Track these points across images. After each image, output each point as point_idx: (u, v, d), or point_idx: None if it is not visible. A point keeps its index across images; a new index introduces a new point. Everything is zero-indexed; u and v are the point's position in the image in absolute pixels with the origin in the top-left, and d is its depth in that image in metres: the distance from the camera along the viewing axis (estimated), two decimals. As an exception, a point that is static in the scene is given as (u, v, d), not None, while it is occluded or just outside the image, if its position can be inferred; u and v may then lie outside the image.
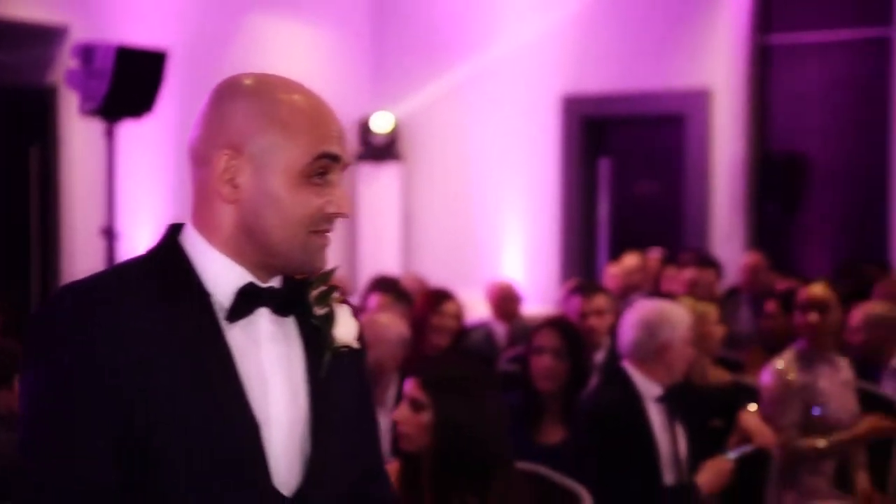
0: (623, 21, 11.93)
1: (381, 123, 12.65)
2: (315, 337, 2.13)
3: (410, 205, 12.91)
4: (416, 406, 3.35)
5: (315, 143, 2.06)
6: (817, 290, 5.91)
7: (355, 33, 12.89)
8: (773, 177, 11.69)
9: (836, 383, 5.40)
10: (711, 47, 11.69)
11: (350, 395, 2.21)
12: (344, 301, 2.20)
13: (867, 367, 6.14)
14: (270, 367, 2.07)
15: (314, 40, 12.45)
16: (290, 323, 2.12)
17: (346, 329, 2.15)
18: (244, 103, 2.07)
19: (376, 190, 12.73)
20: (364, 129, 12.64)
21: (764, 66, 11.88)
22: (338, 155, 2.10)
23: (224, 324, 2.03)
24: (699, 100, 11.75)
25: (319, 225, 2.08)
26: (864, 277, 8.23)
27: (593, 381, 4.93)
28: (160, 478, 1.97)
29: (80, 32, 9.21)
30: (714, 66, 11.69)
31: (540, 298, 10.82)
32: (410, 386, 3.40)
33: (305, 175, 2.05)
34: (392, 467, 3.50)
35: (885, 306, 6.30)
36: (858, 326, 6.09)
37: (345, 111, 12.55)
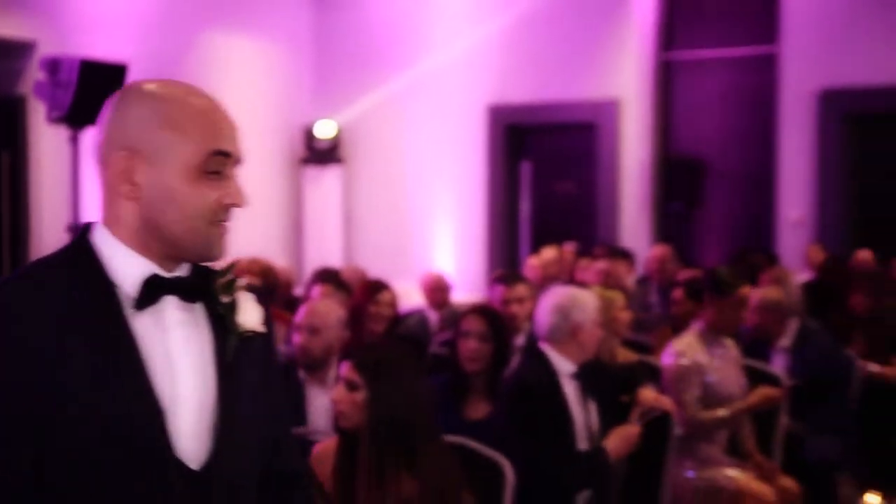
0: (542, 39, 11.99)
1: (325, 130, 12.63)
2: (222, 322, 2.11)
3: (351, 204, 12.90)
4: (351, 386, 3.35)
5: (207, 142, 2.03)
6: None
7: (300, 48, 12.85)
8: (676, 178, 11.81)
9: (728, 361, 5.48)
10: (621, 62, 11.78)
11: (257, 376, 2.18)
12: (249, 289, 2.18)
13: (758, 346, 6.22)
14: (178, 351, 2.04)
15: (262, 55, 12.41)
16: (198, 309, 2.10)
17: (249, 315, 2.13)
18: (139, 107, 2.04)
19: (320, 190, 12.72)
20: (308, 136, 12.62)
21: (667, 79, 12.00)
22: (229, 152, 2.07)
23: (131, 312, 2.01)
24: (610, 109, 11.82)
25: (217, 216, 2.05)
26: (753, 265, 8.34)
27: (515, 360, 4.95)
28: (68, 461, 1.95)
29: (47, 47, 9.13)
30: (623, 79, 11.77)
31: (468, 288, 10.86)
32: (345, 368, 3.40)
33: (199, 171, 2.02)
34: (327, 448, 3.52)
35: (777, 293, 6.36)
36: (753, 309, 6.15)
37: (291, 119, 12.68)
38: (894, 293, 7.77)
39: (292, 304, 6.98)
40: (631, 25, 11.73)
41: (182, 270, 2.09)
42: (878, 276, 8.08)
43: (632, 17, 11.74)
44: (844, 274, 8.09)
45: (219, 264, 2.15)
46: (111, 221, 2.05)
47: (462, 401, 4.72)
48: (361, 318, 5.97)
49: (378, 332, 5.93)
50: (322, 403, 4.69)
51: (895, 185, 11.15)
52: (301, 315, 4.83)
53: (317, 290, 6.40)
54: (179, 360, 2.04)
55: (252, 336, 2.15)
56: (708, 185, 11.76)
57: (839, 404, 6.10)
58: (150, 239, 2.03)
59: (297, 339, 4.77)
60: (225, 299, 2.12)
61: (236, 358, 2.11)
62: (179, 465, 2.01)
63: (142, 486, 1.98)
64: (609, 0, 11.79)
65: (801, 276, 8.56)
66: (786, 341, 6.21)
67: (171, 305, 2.05)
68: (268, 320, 2.23)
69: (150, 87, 2.08)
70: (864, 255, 9.08)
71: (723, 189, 11.76)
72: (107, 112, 2.07)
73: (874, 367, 6.75)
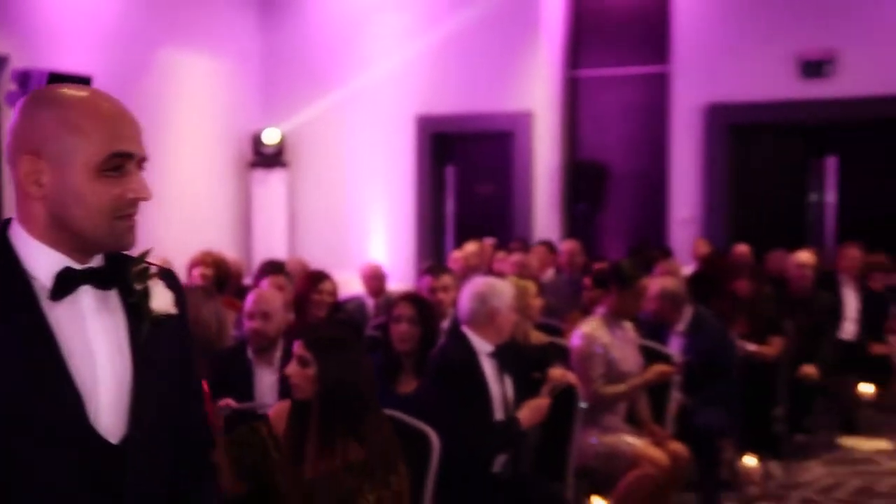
0: (465, 57, 12.02)
1: (271, 137, 12.58)
2: (136, 307, 2.07)
3: (294, 203, 12.86)
4: (303, 362, 3.37)
5: (108, 143, 1.96)
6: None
7: (248, 64, 12.78)
8: (582, 181, 11.90)
9: (627, 342, 5.55)
10: (534, 79, 11.84)
11: (170, 355, 2.15)
12: (160, 276, 2.14)
13: (658, 330, 6.28)
14: (95, 337, 2.00)
15: (215, 69, 12.32)
16: (113, 296, 2.05)
17: (161, 300, 2.09)
18: (43, 111, 1.98)
19: (267, 191, 12.66)
20: (257, 142, 12.56)
21: (573, 94, 12.09)
22: (131, 152, 2.01)
23: (47, 303, 1.96)
24: (524, 120, 11.88)
25: (122, 210, 1.99)
26: (648, 258, 8.44)
27: (441, 342, 4.98)
28: None
29: (19, 61, 9.01)
30: (536, 94, 11.84)
31: (400, 277, 10.87)
32: (298, 346, 3.42)
33: (101, 170, 1.95)
34: (282, 408, 3.53)
35: (673, 283, 6.42)
36: (652, 297, 6.22)
37: (240, 127, 12.55)
38: (769, 282, 7.94)
39: (242, 292, 6.96)
40: (542, 47, 11.82)
41: (96, 261, 2.04)
42: (755, 266, 8.22)
43: (543, 40, 11.83)
44: (725, 265, 8.21)
45: (133, 252, 2.10)
46: (24, 219, 2.00)
47: (394, 378, 4.74)
48: (305, 305, 5.97)
49: (320, 317, 5.93)
50: (269, 381, 4.67)
51: (770, 188, 11.36)
52: (251, 303, 4.80)
53: (266, 282, 6.38)
54: (97, 345, 2.00)
55: (165, 319, 2.10)
56: (610, 187, 11.87)
57: (725, 380, 6.17)
58: (60, 234, 1.98)
59: (250, 324, 4.75)
60: (138, 286, 2.07)
61: (150, 340, 2.07)
62: (100, 441, 1.98)
63: (65, 462, 1.95)
64: (523, 24, 11.86)
65: (689, 268, 8.68)
66: (681, 326, 6.27)
67: (86, 295, 2.00)
68: (180, 303, 2.18)
69: (56, 92, 2.01)
70: (742, 248, 9.22)
71: (622, 191, 11.88)
72: (15, 117, 2.01)
73: (752, 347, 6.88)
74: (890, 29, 10.62)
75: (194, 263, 7.09)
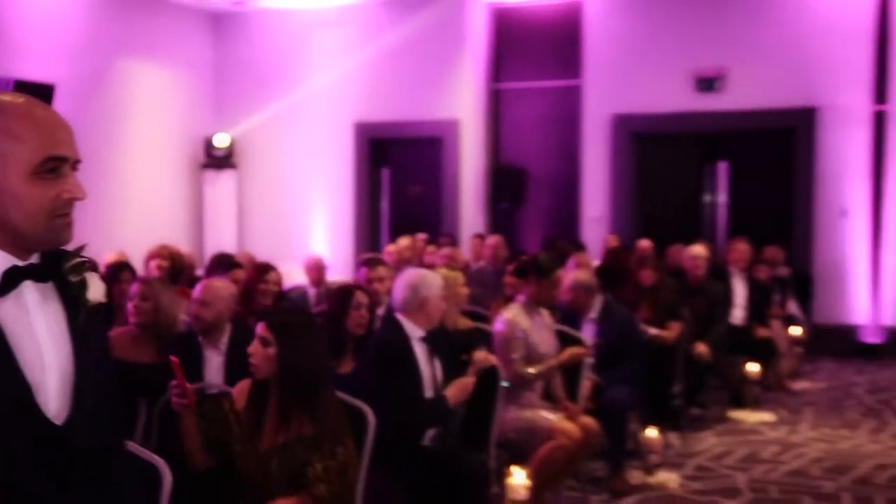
0: (399, 70, 12.01)
1: (221, 141, 12.47)
2: (72, 298, 2.03)
3: (243, 201, 12.75)
4: (264, 343, 3.33)
5: (43, 148, 1.90)
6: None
7: (201, 74, 12.65)
8: (504, 183, 11.94)
9: (544, 327, 5.56)
10: (461, 90, 11.86)
11: (101, 342, 2.13)
12: (92, 268, 2.10)
13: (572, 317, 6.29)
14: (39, 328, 1.95)
15: (170, 79, 12.17)
16: (50, 289, 2.00)
17: (95, 291, 2.05)
18: None
19: (217, 190, 12.54)
20: (208, 145, 12.44)
21: (496, 104, 12.12)
22: (65, 156, 1.94)
23: None
24: (452, 127, 11.90)
25: (59, 210, 1.93)
26: (562, 251, 8.46)
27: (377, 327, 4.95)
28: None
29: (-15, 70, 8.85)
30: (462, 104, 11.87)
31: (339, 269, 10.83)
32: (261, 328, 3.38)
33: (36, 173, 1.89)
34: (244, 386, 3.49)
35: (585, 274, 6.42)
36: (567, 288, 6.22)
37: (193, 131, 12.43)
38: (669, 273, 8.01)
39: (194, 283, 6.87)
40: (468, 62, 11.84)
41: (35, 257, 1.99)
42: (656, 259, 8.29)
43: (469, 56, 11.84)
44: (629, 257, 8.27)
45: (69, 247, 2.04)
46: None
47: (335, 359, 4.70)
48: (252, 294, 5.91)
49: (266, 305, 5.86)
50: (216, 363, 4.61)
51: (669, 189, 11.49)
52: (198, 291, 4.74)
53: (216, 272, 6.30)
54: (42, 336, 1.96)
55: (97, 308, 2.07)
56: (528, 188, 11.92)
57: (631, 361, 6.21)
58: (3, 234, 1.92)
59: (195, 310, 4.68)
60: (74, 279, 2.03)
61: (85, 328, 2.04)
62: (48, 424, 1.94)
63: (17, 446, 1.90)
64: (451, 41, 11.87)
65: (599, 261, 8.73)
66: (593, 313, 6.30)
67: (28, 289, 1.96)
68: (109, 293, 2.14)
69: None
70: (645, 243, 9.29)
71: (540, 192, 11.93)
72: None
73: (654, 331, 6.93)
74: (770, 51, 10.79)
75: (151, 256, 6.99)
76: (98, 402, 2.07)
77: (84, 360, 2.03)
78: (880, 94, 10.57)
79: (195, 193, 12.52)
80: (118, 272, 6.11)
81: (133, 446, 2.85)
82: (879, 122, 10.59)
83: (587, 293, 6.28)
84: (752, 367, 8.04)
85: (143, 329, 4.74)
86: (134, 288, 4.84)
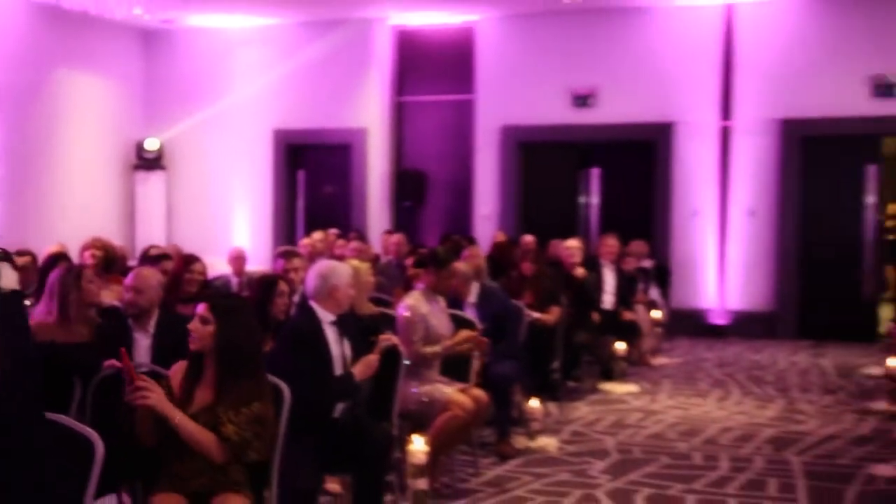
0: (313, 83, 11.91)
1: (151, 144, 12.21)
2: None
3: (171, 199, 12.50)
4: (204, 321, 3.30)
5: None
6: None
7: (133, 84, 12.39)
8: (406, 185, 11.92)
9: (440, 311, 5.55)
10: (368, 102, 11.82)
11: (16, 324, 2.08)
12: (5, 258, 2.05)
13: (456, 302, 6.29)
14: None
15: (105, 88, 11.88)
16: None
17: (7, 279, 2.02)
18: None
19: (148, 189, 12.29)
20: (140, 148, 12.17)
21: (400, 114, 12.09)
22: None
23: None
24: (360, 135, 11.85)
25: None
26: (457, 245, 8.46)
27: (292, 312, 4.89)
28: None
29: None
30: (370, 114, 11.83)
31: (259, 261, 10.67)
32: (202, 308, 3.34)
33: None
34: (179, 368, 3.42)
35: (464, 266, 6.38)
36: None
37: (126, 136, 12.13)
38: (549, 264, 8.08)
39: (127, 272, 6.68)
40: (375, 77, 11.81)
41: None
42: (538, 252, 8.35)
43: (375, 72, 11.81)
44: (515, 250, 8.32)
45: None
46: None
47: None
48: (179, 283, 5.77)
49: (192, 293, 5.73)
50: (144, 345, 4.51)
51: (549, 191, 11.61)
52: (129, 279, 4.63)
53: (146, 263, 6.13)
54: None
55: (10, 293, 2.02)
56: (428, 190, 11.92)
57: (513, 339, 6.24)
58: None
59: (126, 296, 4.56)
60: None
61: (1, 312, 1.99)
62: None
63: None
64: (360, 58, 11.82)
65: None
66: (472, 298, 6.31)
67: None
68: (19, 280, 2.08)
69: None
70: (528, 238, 9.35)
71: (438, 192, 11.94)
72: None
73: (536, 315, 6.98)
74: (636, 73, 11.00)
75: (86, 247, 6.79)
76: (15, 380, 1.98)
77: (3, 343, 1.96)
78: (726, 112, 10.87)
79: (127, 192, 12.28)
80: (56, 261, 5.91)
81: (68, 420, 2.77)
82: (725, 135, 10.89)
83: (465, 281, 6.28)
84: (620, 346, 8.18)
85: (69, 313, 4.58)
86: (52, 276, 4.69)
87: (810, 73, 10.46)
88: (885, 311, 11.60)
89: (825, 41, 10.46)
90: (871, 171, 10.64)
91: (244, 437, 3.19)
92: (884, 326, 10.55)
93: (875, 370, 8.35)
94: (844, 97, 10.35)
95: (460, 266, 6.35)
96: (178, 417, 3.16)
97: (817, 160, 10.69)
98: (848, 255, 10.67)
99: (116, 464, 3.02)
